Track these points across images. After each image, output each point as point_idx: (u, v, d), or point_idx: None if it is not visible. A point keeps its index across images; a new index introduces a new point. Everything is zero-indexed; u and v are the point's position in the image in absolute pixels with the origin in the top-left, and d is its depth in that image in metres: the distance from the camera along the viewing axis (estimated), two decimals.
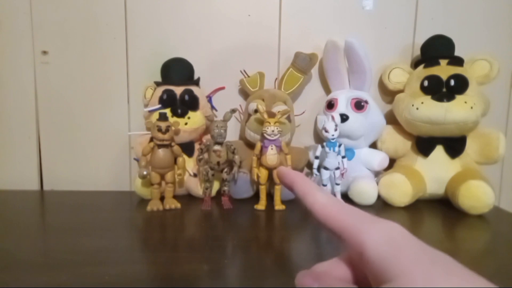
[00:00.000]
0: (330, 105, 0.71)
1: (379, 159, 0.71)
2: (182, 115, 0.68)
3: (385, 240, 0.17)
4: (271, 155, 0.62)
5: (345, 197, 0.67)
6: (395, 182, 0.65)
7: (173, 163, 0.64)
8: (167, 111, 0.67)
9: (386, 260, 0.17)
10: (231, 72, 0.76)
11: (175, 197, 0.66)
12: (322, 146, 0.64)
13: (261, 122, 0.65)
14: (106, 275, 0.38)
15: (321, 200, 0.21)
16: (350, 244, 0.19)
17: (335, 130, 0.62)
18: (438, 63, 0.68)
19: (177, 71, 0.72)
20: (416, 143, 0.69)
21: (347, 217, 0.19)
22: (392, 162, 0.73)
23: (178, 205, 0.63)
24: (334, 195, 0.64)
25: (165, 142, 0.62)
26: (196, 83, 0.74)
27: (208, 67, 0.76)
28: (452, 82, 0.65)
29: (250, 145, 0.71)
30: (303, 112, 0.77)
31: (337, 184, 0.65)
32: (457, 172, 0.66)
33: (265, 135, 0.61)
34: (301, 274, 0.22)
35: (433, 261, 0.16)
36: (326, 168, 0.63)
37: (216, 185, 0.69)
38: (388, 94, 0.77)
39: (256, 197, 0.66)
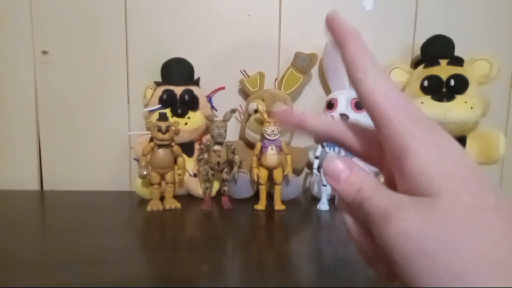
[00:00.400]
0: (330, 105, 0.71)
1: None
2: (182, 115, 0.68)
3: (436, 151, 0.15)
4: (271, 155, 0.62)
5: None
6: None
7: (173, 163, 0.64)
8: (167, 111, 0.67)
9: (433, 173, 0.14)
10: (231, 72, 0.76)
11: (175, 197, 0.66)
12: (322, 146, 0.64)
13: (261, 122, 0.65)
14: (106, 275, 0.38)
15: (379, 82, 0.16)
16: (390, 144, 0.16)
17: None
18: (438, 63, 0.68)
19: (177, 71, 0.72)
20: None
21: (399, 112, 0.16)
22: None
23: (178, 205, 0.63)
24: (334, 195, 0.64)
25: (165, 142, 0.62)
26: (196, 83, 0.74)
27: (208, 67, 0.76)
28: (452, 82, 0.65)
29: (250, 145, 0.71)
30: (303, 112, 0.77)
31: None
32: None
33: (265, 135, 0.61)
34: (332, 158, 0.18)
35: (492, 191, 0.14)
36: None
37: (216, 185, 0.69)
38: None
39: (256, 197, 0.66)
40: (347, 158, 0.18)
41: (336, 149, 0.63)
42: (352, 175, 0.17)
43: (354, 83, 0.17)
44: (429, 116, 0.16)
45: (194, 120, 0.69)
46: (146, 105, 0.73)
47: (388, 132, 0.16)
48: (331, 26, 0.19)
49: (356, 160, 0.19)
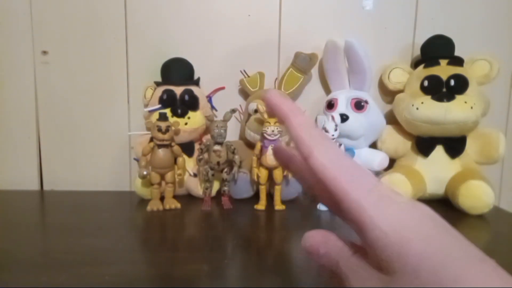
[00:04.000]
0: (330, 105, 0.71)
1: (379, 159, 0.71)
2: (182, 115, 0.68)
3: (393, 227, 0.15)
4: (271, 155, 0.62)
5: None
6: (395, 182, 0.64)
7: (173, 163, 0.64)
8: (167, 111, 0.67)
9: (391, 251, 0.14)
10: (231, 72, 0.76)
11: (175, 197, 0.66)
12: None
13: (261, 122, 0.65)
14: (106, 275, 0.38)
15: (320, 157, 0.17)
16: (350, 219, 0.16)
17: (335, 130, 0.62)
18: (438, 63, 0.68)
19: (177, 71, 0.72)
20: (416, 143, 0.69)
21: (351, 185, 0.16)
22: (392, 162, 0.73)
23: (178, 205, 0.63)
24: None
25: (165, 142, 0.62)
26: (196, 83, 0.74)
27: (208, 67, 0.76)
28: (452, 82, 0.65)
29: (250, 145, 0.71)
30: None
31: None
32: (457, 172, 0.66)
33: (265, 135, 0.61)
34: (309, 234, 0.20)
35: (446, 257, 0.14)
36: None
37: (216, 185, 0.69)
38: (388, 94, 0.77)
39: (256, 197, 0.66)
40: (322, 231, 0.20)
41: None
42: (329, 250, 0.19)
43: (304, 159, 0.18)
44: (377, 182, 0.17)
45: (194, 120, 0.69)
46: (146, 105, 0.73)
47: (345, 206, 0.16)
48: (271, 106, 0.20)
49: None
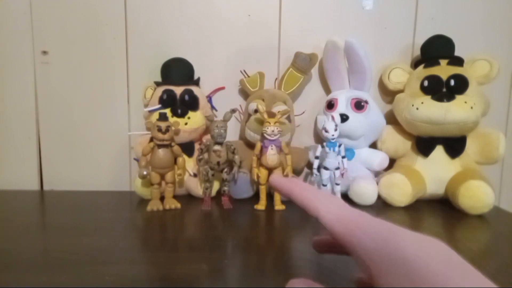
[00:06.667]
0: (330, 105, 0.71)
1: (379, 159, 0.71)
2: (182, 115, 0.68)
3: (403, 274, 0.15)
4: (271, 155, 0.62)
5: (345, 197, 0.67)
6: (395, 182, 0.64)
7: (173, 163, 0.64)
8: (167, 111, 0.67)
9: None
10: (231, 72, 0.76)
11: (175, 197, 0.66)
12: (322, 146, 0.64)
13: (261, 122, 0.65)
14: (106, 275, 0.38)
15: (326, 215, 0.19)
16: (362, 267, 0.17)
17: (335, 130, 0.62)
18: (438, 63, 0.68)
19: (177, 71, 0.72)
20: (416, 143, 0.69)
21: (357, 238, 0.18)
22: (392, 162, 0.73)
23: (178, 205, 0.63)
24: (334, 195, 0.64)
25: (165, 142, 0.62)
26: (196, 83, 0.74)
27: (208, 67, 0.76)
28: (452, 82, 0.65)
29: (250, 145, 0.71)
30: (303, 112, 0.77)
31: (337, 184, 0.65)
32: (457, 172, 0.66)
33: (265, 135, 0.61)
34: (292, 281, 0.21)
35: None
36: (326, 168, 0.63)
37: (216, 185, 0.69)
38: (388, 94, 0.77)
39: (256, 197, 0.66)
40: (306, 280, 0.21)
41: (337, 149, 0.63)
42: None
43: (318, 219, 0.20)
44: (381, 229, 0.18)
45: (194, 120, 0.69)
46: (146, 105, 0.73)
47: (356, 258, 0.18)
48: (275, 188, 0.23)
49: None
